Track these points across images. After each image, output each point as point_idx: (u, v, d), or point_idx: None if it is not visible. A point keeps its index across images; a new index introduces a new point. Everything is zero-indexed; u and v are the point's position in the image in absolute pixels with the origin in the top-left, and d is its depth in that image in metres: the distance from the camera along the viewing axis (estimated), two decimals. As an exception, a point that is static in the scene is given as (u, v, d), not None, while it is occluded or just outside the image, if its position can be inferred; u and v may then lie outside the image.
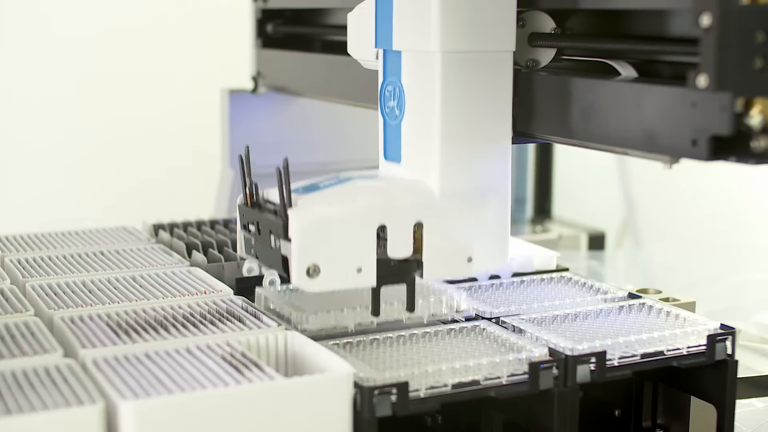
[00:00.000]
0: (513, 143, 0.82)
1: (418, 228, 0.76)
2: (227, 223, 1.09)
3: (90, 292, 0.85)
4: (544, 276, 0.94)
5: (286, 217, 0.73)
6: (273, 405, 0.65)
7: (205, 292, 0.85)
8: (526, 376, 0.73)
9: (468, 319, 0.83)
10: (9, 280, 0.88)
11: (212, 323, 0.78)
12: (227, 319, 0.79)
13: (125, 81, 1.72)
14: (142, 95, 1.73)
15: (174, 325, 0.77)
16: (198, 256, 0.96)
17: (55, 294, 0.84)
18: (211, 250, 0.97)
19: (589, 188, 1.81)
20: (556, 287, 0.91)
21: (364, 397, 0.68)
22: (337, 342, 0.76)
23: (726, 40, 0.64)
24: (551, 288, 0.91)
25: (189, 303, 0.82)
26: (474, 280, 0.92)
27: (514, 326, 0.80)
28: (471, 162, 0.79)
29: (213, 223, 1.09)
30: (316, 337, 0.76)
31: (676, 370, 0.80)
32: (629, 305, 0.85)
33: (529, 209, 1.71)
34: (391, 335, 0.78)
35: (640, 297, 0.88)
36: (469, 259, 0.79)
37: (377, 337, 0.78)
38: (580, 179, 1.78)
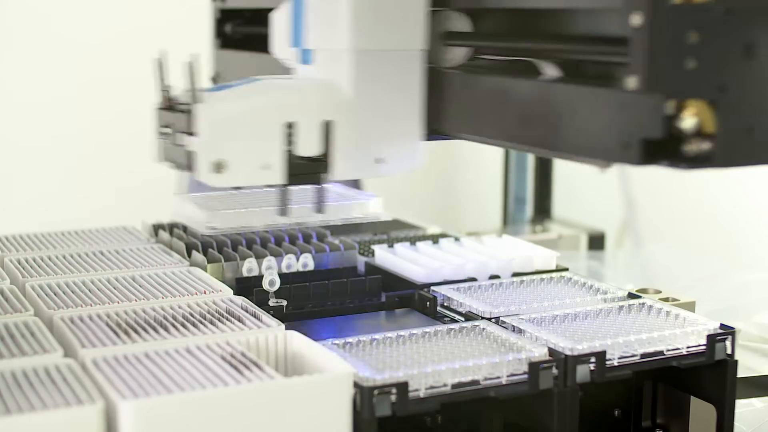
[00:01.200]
0: (426, 140, 0.84)
1: (327, 126, 0.78)
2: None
3: (90, 292, 0.85)
4: (544, 276, 0.94)
5: (193, 112, 0.74)
6: (273, 405, 0.65)
7: (204, 292, 0.85)
8: (526, 376, 0.73)
9: (468, 319, 0.83)
10: (9, 280, 0.88)
11: (212, 323, 0.78)
12: (227, 319, 0.79)
13: (124, 81, 1.72)
14: (141, 95, 1.73)
15: (174, 325, 0.77)
16: (198, 256, 0.96)
17: (55, 294, 0.84)
18: (210, 250, 0.97)
19: (589, 188, 1.81)
20: (556, 287, 0.91)
21: (363, 397, 0.68)
22: (337, 342, 0.76)
23: (657, 40, 0.62)
24: (551, 288, 0.91)
25: (189, 303, 0.82)
26: (474, 279, 0.92)
27: (513, 326, 0.80)
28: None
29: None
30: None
31: (675, 370, 0.80)
32: (629, 305, 0.85)
33: (529, 209, 1.71)
34: (391, 335, 0.78)
35: (639, 297, 0.88)
36: (378, 160, 0.81)
37: (377, 337, 0.78)
38: (580, 179, 1.78)
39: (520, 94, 0.75)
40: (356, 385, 0.68)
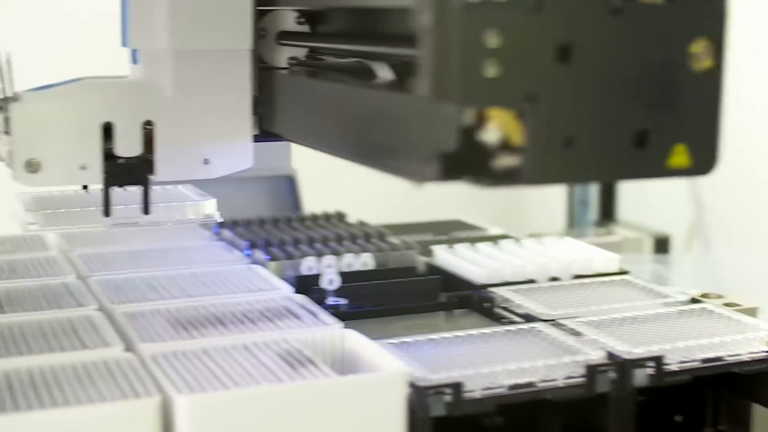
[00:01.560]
0: (256, 141, 0.84)
1: (149, 126, 0.77)
2: (290, 221, 1.09)
3: (152, 288, 0.86)
4: (604, 279, 0.93)
5: (8, 112, 0.75)
6: (327, 403, 0.65)
7: (264, 290, 0.86)
8: (583, 379, 0.73)
9: (526, 320, 0.82)
10: (74, 275, 0.90)
11: (270, 320, 0.78)
12: (285, 317, 0.79)
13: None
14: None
15: (232, 322, 0.78)
16: (259, 253, 0.97)
17: (118, 289, 0.86)
18: (271, 247, 0.98)
19: (656, 191, 1.78)
20: (616, 290, 0.91)
21: (418, 396, 0.68)
22: (394, 341, 0.76)
23: (447, 41, 0.55)
24: (611, 291, 0.90)
25: (248, 300, 0.83)
26: (533, 281, 0.92)
27: (571, 329, 0.79)
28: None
29: (276, 221, 1.09)
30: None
31: (737, 376, 0.79)
32: (690, 310, 0.84)
33: (594, 212, 1.69)
34: (448, 336, 0.78)
35: (701, 301, 0.86)
36: (206, 161, 0.80)
37: (434, 337, 0.78)
38: (646, 182, 1.76)
39: (333, 98, 0.72)
40: (411, 384, 0.68)
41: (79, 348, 0.72)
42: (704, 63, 0.59)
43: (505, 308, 0.87)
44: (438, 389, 0.68)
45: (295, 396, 0.65)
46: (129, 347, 0.73)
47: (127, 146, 0.77)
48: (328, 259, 0.93)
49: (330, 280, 0.88)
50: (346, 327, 0.77)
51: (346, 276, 0.91)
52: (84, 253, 0.96)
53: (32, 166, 0.74)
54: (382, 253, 0.97)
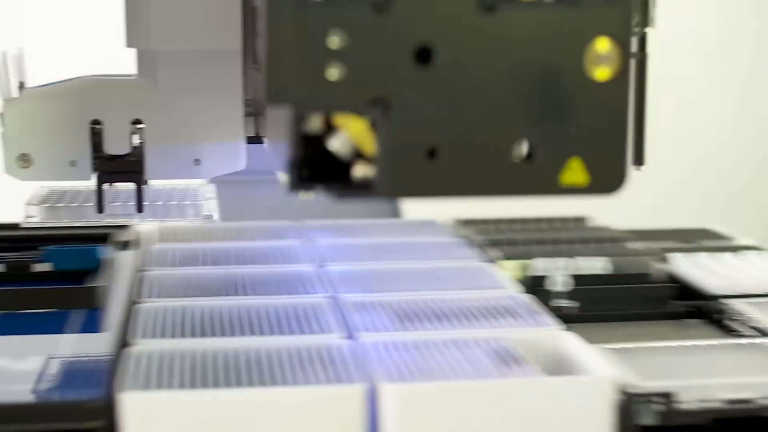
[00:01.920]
0: (251, 144, 0.82)
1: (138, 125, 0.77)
2: (525, 222, 1.10)
3: (383, 280, 0.89)
4: None
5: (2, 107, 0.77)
6: (531, 402, 0.66)
7: (491, 288, 0.87)
8: (808, 400, 0.69)
9: (761, 335, 0.79)
10: (314, 264, 0.94)
11: (489, 318, 0.79)
12: (505, 315, 0.80)
13: None
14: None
15: (452, 317, 0.80)
16: (495, 252, 0.98)
17: (352, 279, 0.89)
18: (507, 246, 0.99)
19: None
20: None
21: (627, 403, 0.67)
22: (613, 347, 0.76)
23: (281, 43, 0.51)
24: None
25: (473, 297, 0.84)
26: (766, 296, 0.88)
27: (803, 346, 0.76)
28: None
29: (511, 222, 1.10)
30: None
31: None
32: None
33: None
34: (671, 345, 0.77)
35: None
36: (197, 162, 0.79)
37: (656, 345, 0.77)
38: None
39: None
40: (621, 391, 0.67)
41: (307, 332, 0.76)
42: (603, 69, 0.53)
43: (737, 320, 0.84)
44: (648, 397, 0.67)
45: (498, 392, 0.66)
46: (350, 335, 0.76)
47: (116, 144, 0.78)
48: (560, 261, 0.93)
49: (559, 282, 0.88)
50: (570, 330, 0.77)
51: (577, 279, 0.91)
52: (326, 243, 1.00)
53: (23, 161, 0.77)
54: (615, 258, 0.95)
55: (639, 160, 0.67)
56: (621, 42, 0.53)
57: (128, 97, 0.78)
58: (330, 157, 0.54)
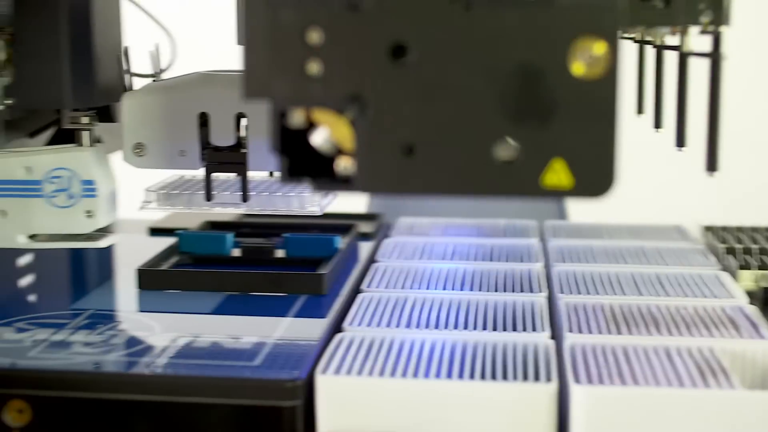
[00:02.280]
0: None
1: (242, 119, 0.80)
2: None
3: (606, 283, 0.88)
4: None
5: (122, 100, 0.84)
6: (723, 415, 0.64)
7: (718, 297, 0.84)
8: None
9: None
10: (542, 263, 0.95)
11: (706, 327, 0.77)
12: (724, 326, 0.77)
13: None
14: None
15: (667, 324, 0.78)
16: (732, 261, 0.94)
17: (574, 280, 0.89)
18: (747, 256, 0.95)
19: None
20: None
21: (834, 426, 0.63)
22: (837, 366, 0.71)
23: (258, 38, 0.52)
24: None
25: (695, 305, 0.82)
26: None
27: None
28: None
29: (764, 230, 1.06)
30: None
31: None
32: None
33: None
34: None
35: None
36: None
37: None
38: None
39: None
40: (831, 412, 0.64)
41: (514, 330, 0.77)
42: (589, 67, 0.49)
43: None
44: None
45: (688, 402, 0.64)
46: (555, 335, 0.76)
47: (222, 136, 0.82)
48: (799, 273, 0.89)
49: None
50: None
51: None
52: (558, 244, 1.00)
53: (138, 150, 0.82)
54: None
55: (712, 166, 0.63)
56: (608, 39, 0.51)
57: (234, 92, 0.79)
58: (310, 151, 0.55)
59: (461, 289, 0.88)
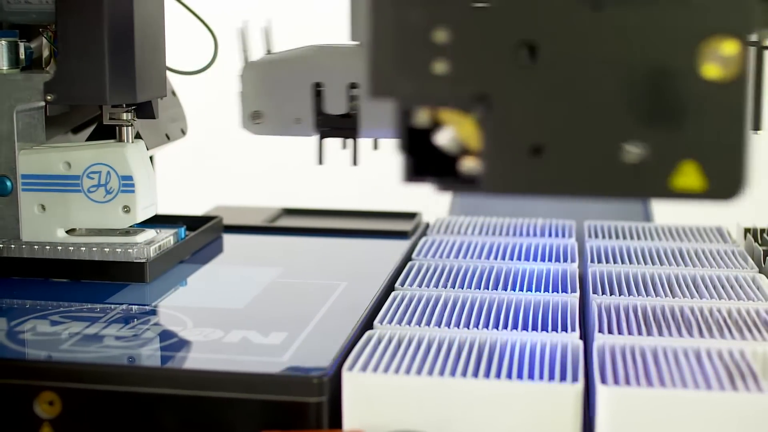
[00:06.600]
0: None
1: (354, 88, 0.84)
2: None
3: (643, 284, 0.88)
4: None
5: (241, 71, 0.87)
6: (751, 419, 0.63)
7: (755, 300, 0.83)
8: None
9: None
10: (576, 263, 0.94)
11: (738, 330, 0.76)
12: (757, 329, 0.76)
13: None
14: None
15: (700, 327, 0.77)
16: (772, 263, 0.93)
17: (610, 281, 0.88)
18: (788, 259, 0.94)
19: None
20: None
21: None
22: None
23: (383, 37, 0.51)
24: None
25: (729, 308, 0.81)
26: None
27: None
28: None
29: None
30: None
31: None
32: None
33: None
34: None
35: None
36: None
37: None
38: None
39: None
40: None
41: (544, 330, 0.77)
42: (722, 68, 0.48)
43: None
44: None
45: (715, 405, 0.64)
46: (587, 336, 0.76)
47: (335, 104, 0.86)
48: (839, 276, 0.87)
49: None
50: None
51: None
52: (597, 244, 0.99)
53: (256, 117, 0.86)
54: None
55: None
56: (741, 41, 0.50)
57: (347, 63, 0.86)
58: (434, 150, 0.55)
59: (495, 289, 0.88)
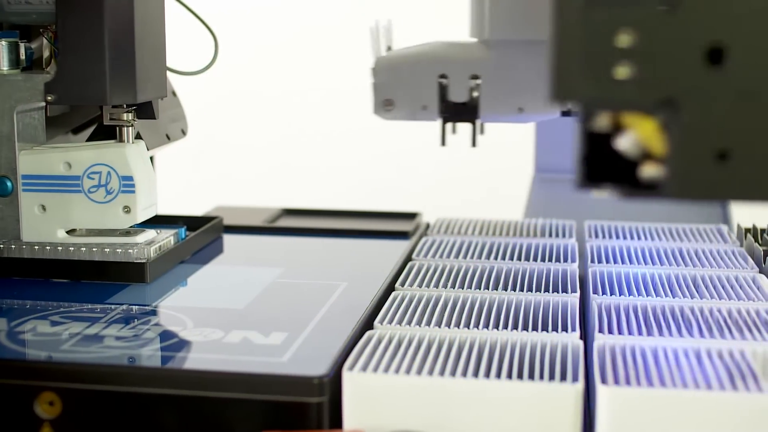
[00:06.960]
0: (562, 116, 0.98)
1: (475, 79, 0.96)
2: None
3: (644, 284, 0.88)
4: None
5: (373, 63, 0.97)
6: (751, 419, 0.63)
7: (755, 300, 0.83)
8: None
9: None
10: (577, 263, 0.94)
11: (739, 330, 0.76)
12: (757, 329, 0.77)
13: None
14: None
15: (701, 327, 0.77)
16: (772, 264, 0.93)
17: (611, 281, 0.88)
18: (787, 259, 0.94)
19: None
20: None
21: None
22: None
23: (568, 41, 0.50)
24: None
25: (729, 308, 0.81)
26: None
27: None
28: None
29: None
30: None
31: None
32: None
33: None
34: None
35: None
36: (520, 110, 0.96)
37: None
38: None
39: None
40: None
41: (538, 331, 0.77)
42: None
43: None
44: None
45: (714, 405, 0.64)
46: (587, 336, 0.76)
47: (458, 93, 0.97)
48: (839, 276, 0.87)
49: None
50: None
51: None
52: (596, 245, 0.99)
53: (387, 104, 0.95)
54: None
55: None
56: None
57: (469, 57, 0.97)
58: (617, 155, 0.54)
59: (495, 289, 0.88)
